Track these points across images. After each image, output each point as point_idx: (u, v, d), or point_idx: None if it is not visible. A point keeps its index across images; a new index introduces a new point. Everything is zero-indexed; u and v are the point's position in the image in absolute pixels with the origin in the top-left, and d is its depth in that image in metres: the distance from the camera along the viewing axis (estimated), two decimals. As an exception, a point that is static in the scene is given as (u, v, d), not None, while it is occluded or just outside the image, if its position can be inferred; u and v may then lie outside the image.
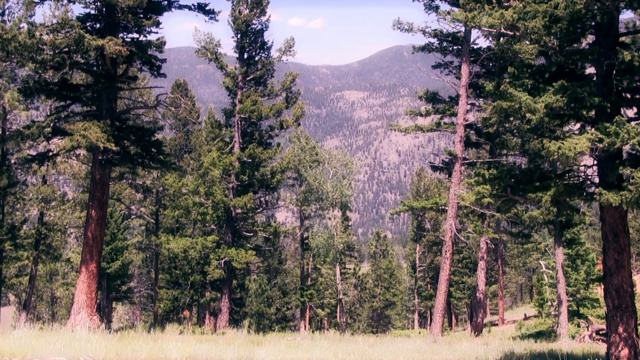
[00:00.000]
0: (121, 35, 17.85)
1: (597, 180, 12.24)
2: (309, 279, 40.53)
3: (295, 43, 26.32)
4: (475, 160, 24.23)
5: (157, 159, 19.23)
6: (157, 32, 18.09)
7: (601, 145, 10.70)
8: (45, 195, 27.26)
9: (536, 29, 11.00)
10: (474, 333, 24.43)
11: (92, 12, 17.52)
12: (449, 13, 20.43)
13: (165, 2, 18.24)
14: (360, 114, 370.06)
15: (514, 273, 56.79)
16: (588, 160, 12.49)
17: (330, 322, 46.22)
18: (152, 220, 35.12)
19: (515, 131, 19.39)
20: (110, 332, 14.04)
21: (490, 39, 21.09)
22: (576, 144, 10.69)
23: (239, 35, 26.37)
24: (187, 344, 11.43)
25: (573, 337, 21.09)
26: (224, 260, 26.21)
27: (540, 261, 33.36)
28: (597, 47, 11.64)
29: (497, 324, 39.46)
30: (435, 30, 22.00)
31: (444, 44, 22.62)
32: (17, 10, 17.69)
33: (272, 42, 27.20)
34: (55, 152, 19.15)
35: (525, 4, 11.02)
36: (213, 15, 18.86)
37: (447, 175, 25.51)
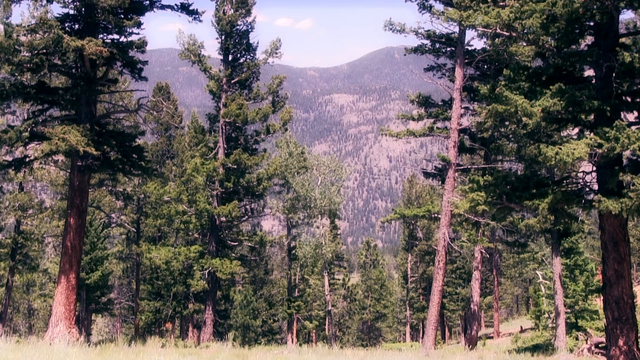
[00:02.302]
0: (101, 36, 17.43)
1: (596, 187, 12.03)
2: (297, 290, 39.80)
3: (282, 44, 25.91)
4: (469, 167, 23.70)
5: (138, 165, 18.71)
6: (138, 33, 17.65)
7: (600, 151, 10.42)
8: (22, 203, 26.55)
9: (533, 28, 10.65)
10: (468, 346, 23.87)
11: (71, 12, 17.09)
12: (443, 13, 19.96)
13: (147, 2, 17.80)
14: (349, 118, 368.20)
15: (510, 284, 56.03)
16: (587, 166, 12.19)
17: (319, 335, 45.53)
18: (133, 229, 34.29)
19: (511, 136, 19.08)
20: (89, 345, 13.59)
21: (485, 39, 20.76)
22: (574, 149, 10.43)
23: (223, 37, 25.85)
24: (170, 357, 11.10)
25: (571, 351, 20.67)
26: (207, 270, 25.44)
27: (537, 271, 32.96)
28: (596, 49, 11.33)
29: (492, 337, 39.02)
30: (429, 31, 21.60)
31: (437, 45, 22.19)
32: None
33: (258, 44, 26.83)
34: (32, 157, 18.47)
35: (522, 3, 10.66)
36: (197, 16, 18.47)
37: (440, 182, 25.00)
